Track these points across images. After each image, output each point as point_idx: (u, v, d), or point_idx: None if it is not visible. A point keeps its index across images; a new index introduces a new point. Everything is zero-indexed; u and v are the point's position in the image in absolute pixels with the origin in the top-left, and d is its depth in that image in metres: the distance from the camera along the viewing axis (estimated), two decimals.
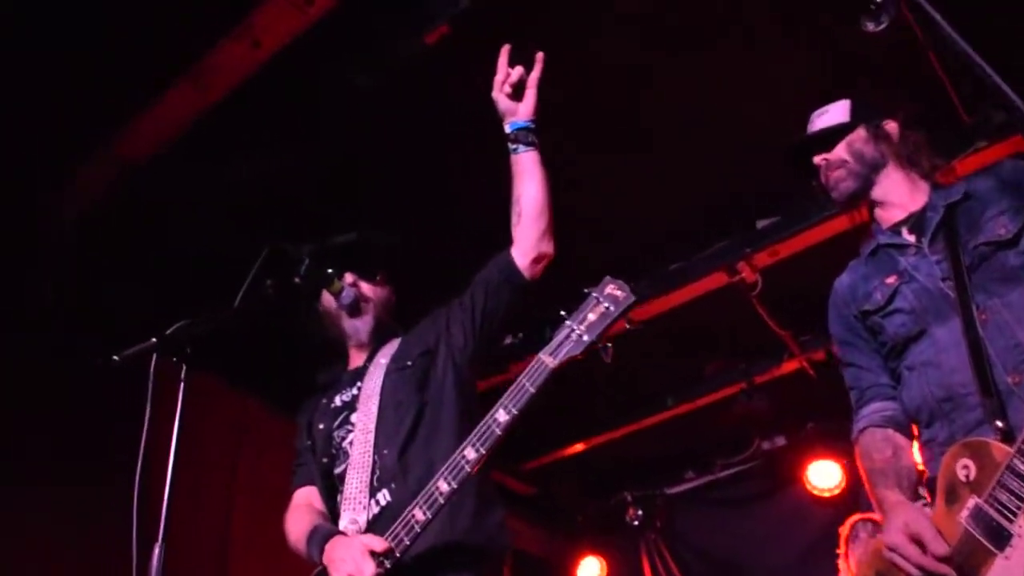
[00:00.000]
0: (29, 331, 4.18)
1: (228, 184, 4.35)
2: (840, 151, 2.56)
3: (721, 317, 5.47)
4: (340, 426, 2.73)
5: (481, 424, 2.23)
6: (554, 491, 7.35)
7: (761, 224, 4.77)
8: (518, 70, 2.64)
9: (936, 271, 2.30)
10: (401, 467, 2.50)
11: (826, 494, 6.48)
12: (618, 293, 2.16)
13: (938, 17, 1.74)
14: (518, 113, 2.64)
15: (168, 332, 2.39)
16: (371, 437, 2.58)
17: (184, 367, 2.39)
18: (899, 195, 2.53)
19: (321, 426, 2.78)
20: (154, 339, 2.37)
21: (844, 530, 4.85)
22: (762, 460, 6.92)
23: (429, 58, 3.74)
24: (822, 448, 6.55)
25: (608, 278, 2.21)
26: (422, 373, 2.67)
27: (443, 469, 2.24)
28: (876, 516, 5.03)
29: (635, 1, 3.73)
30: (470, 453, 2.22)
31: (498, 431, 2.20)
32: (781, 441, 6.85)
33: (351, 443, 2.62)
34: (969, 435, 2.12)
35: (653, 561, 7.28)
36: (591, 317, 2.16)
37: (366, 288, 2.91)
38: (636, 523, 7.07)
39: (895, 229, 2.48)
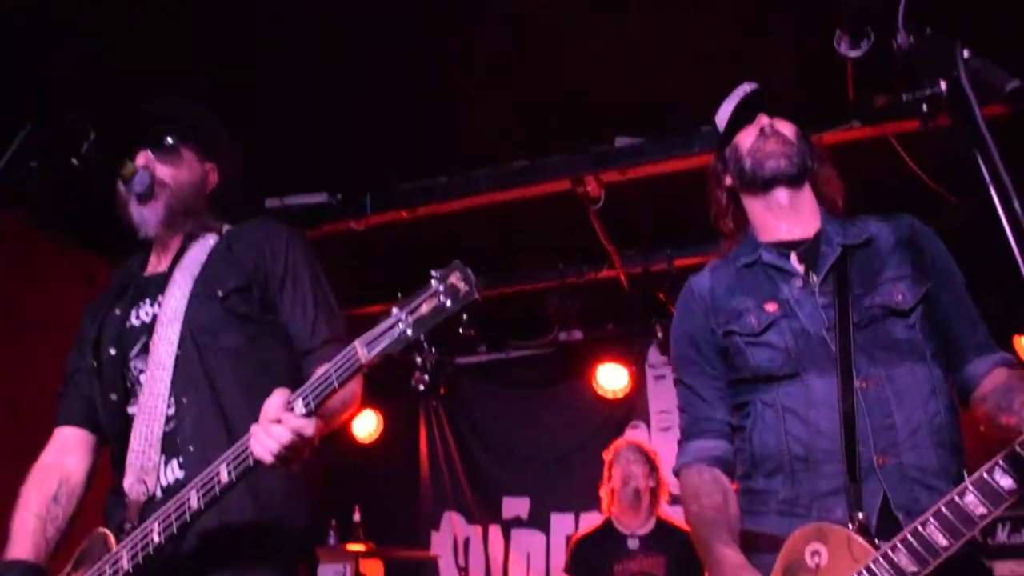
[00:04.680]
0: None
1: None
2: (788, 129, 2.30)
3: (549, 216, 5.26)
4: (137, 354, 2.24)
5: None
6: None
7: (620, 142, 4.50)
8: None
9: (821, 316, 2.13)
10: (201, 429, 2.10)
11: (610, 395, 6.67)
12: (461, 286, 1.77)
13: None
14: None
15: None
16: (167, 376, 2.14)
17: None
18: (801, 211, 2.31)
19: (113, 351, 2.27)
20: None
21: (608, 455, 5.05)
22: (556, 349, 6.97)
23: None
24: (616, 350, 6.68)
25: (457, 264, 1.81)
26: (232, 311, 2.22)
27: (229, 452, 1.85)
28: (637, 442, 5.21)
29: None
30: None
31: None
32: (578, 335, 6.89)
33: (146, 379, 2.18)
34: (814, 504, 2.03)
35: (430, 426, 7.34)
36: (423, 309, 1.77)
37: (163, 171, 2.34)
38: (420, 387, 6.98)
39: (782, 251, 2.27)
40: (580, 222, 5.18)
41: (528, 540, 6.89)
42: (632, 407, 6.75)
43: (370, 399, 7.28)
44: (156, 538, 1.89)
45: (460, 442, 7.22)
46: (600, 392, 6.69)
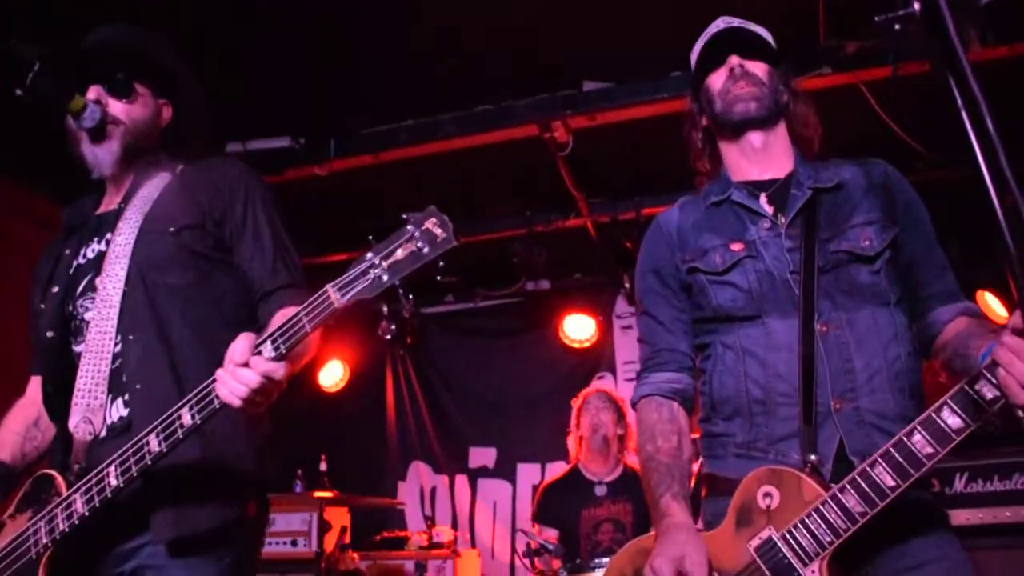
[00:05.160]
0: None
1: None
2: (760, 70, 2.24)
3: (516, 163, 5.20)
4: (84, 292, 2.18)
5: None
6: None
7: (588, 87, 4.43)
8: None
9: (786, 260, 2.11)
10: (146, 366, 2.04)
11: (576, 345, 6.68)
12: (437, 232, 1.73)
13: None
14: None
15: None
16: (114, 314, 2.08)
17: None
18: (773, 153, 2.27)
19: (55, 288, 2.21)
20: None
21: (577, 402, 5.06)
22: (523, 299, 6.95)
23: None
24: (583, 300, 6.68)
25: (432, 209, 1.78)
26: (183, 248, 2.15)
27: (192, 395, 1.81)
28: (606, 389, 5.21)
29: None
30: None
31: None
32: (545, 284, 6.87)
33: (93, 317, 2.11)
34: (771, 447, 2.02)
35: (397, 375, 7.32)
36: (399, 254, 1.73)
37: (116, 107, 2.25)
38: (387, 337, 6.94)
39: (752, 191, 2.24)
40: (548, 169, 5.13)
41: (494, 490, 6.93)
42: (599, 357, 6.76)
43: (336, 349, 7.25)
44: (114, 481, 1.85)
45: (427, 392, 7.21)
46: (567, 342, 6.69)
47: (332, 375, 7.25)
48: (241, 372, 1.72)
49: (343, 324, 7.33)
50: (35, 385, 2.33)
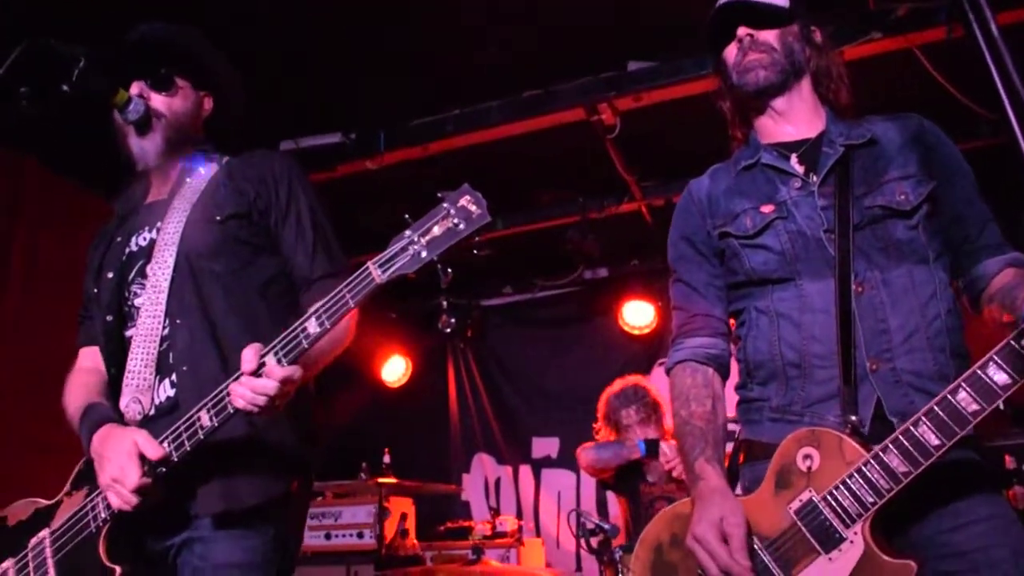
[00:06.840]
0: None
1: None
2: (771, 36, 2.21)
3: (566, 149, 5.18)
4: (135, 279, 2.26)
5: (287, 332, 1.87)
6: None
7: (633, 67, 4.38)
8: None
9: (819, 218, 2.05)
10: (193, 349, 2.10)
11: (636, 331, 6.62)
12: (472, 209, 1.79)
13: None
14: None
15: None
16: (163, 299, 2.15)
17: None
18: (800, 113, 2.22)
19: (110, 274, 2.29)
20: None
21: (601, 407, 4.84)
22: (582, 288, 6.93)
23: None
24: (641, 287, 6.62)
25: (466, 187, 1.82)
26: (229, 236, 2.22)
27: (241, 372, 1.87)
28: (618, 387, 4.93)
29: None
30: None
31: (305, 344, 1.86)
32: (603, 272, 6.85)
33: (143, 302, 2.19)
34: (807, 410, 1.98)
35: (459, 368, 7.36)
36: (436, 231, 1.79)
37: (157, 101, 2.34)
38: (447, 330, 6.98)
39: (782, 152, 2.19)
40: (598, 154, 5.09)
41: (558, 479, 6.91)
42: (660, 343, 6.68)
43: (399, 345, 7.32)
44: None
45: (488, 384, 7.24)
46: (627, 329, 6.65)
47: (394, 370, 7.34)
48: (257, 382, 1.84)
49: (403, 319, 7.41)
50: (87, 355, 2.38)
